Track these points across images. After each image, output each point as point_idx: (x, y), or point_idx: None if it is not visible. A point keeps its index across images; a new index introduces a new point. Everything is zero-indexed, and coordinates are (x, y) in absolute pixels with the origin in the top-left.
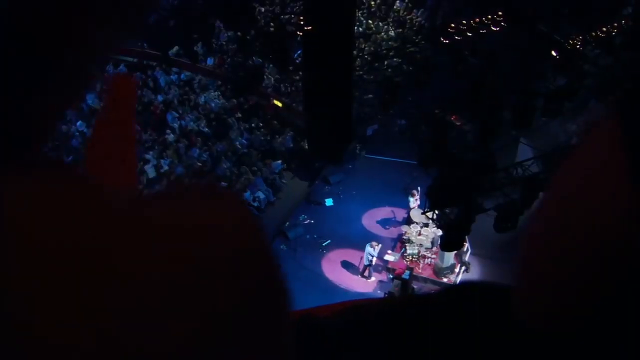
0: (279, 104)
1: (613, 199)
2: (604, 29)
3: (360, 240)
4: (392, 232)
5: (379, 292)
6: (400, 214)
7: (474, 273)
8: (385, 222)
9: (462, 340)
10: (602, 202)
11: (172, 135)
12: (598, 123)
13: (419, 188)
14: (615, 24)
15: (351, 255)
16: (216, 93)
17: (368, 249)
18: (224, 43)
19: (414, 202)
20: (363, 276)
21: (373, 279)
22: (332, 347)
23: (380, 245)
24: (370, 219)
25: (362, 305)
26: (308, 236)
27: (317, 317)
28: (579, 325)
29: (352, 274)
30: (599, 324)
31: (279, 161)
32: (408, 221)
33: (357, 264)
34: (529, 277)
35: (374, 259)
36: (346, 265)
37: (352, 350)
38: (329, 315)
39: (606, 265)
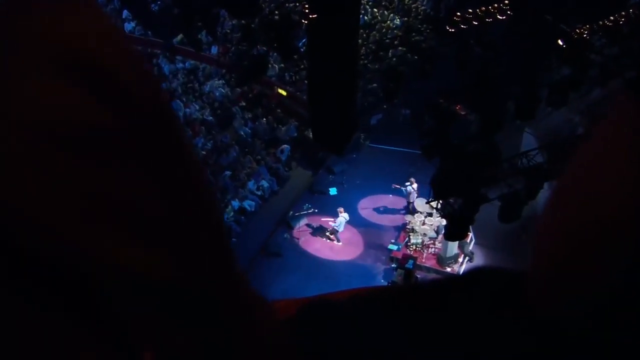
0: (283, 93)
1: (627, 183)
2: (612, 18)
3: (363, 226)
4: (392, 219)
5: (382, 281)
6: (400, 201)
7: (478, 263)
8: (385, 210)
9: (475, 325)
10: (616, 187)
11: None
12: (611, 109)
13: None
14: (623, 13)
15: (355, 243)
16: (220, 82)
17: (343, 215)
18: (228, 31)
19: (412, 190)
20: (330, 238)
21: (340, 244)
22: (348, 327)
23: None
24: (369, 207)
25: (375, 290)
26: (306, 225)
27: (330, 300)
28: (593, 310)
29: (355, 260)
30: (613, 309)
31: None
32: (412, 210)
33: (359, 252)
34: (543, 263)
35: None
36: (349, 251)
37: (368, 331)
38: (342, 298)
39: (622, 252)
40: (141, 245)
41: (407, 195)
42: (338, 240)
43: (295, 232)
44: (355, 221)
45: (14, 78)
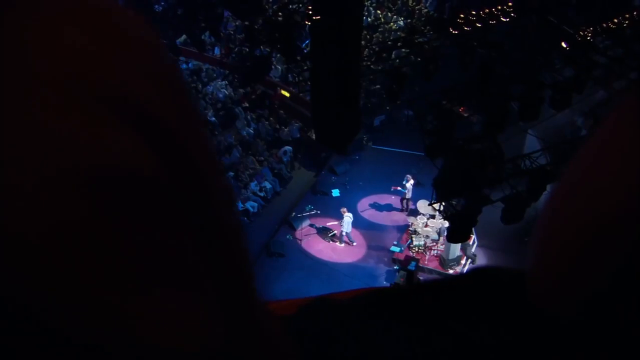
0: (286, 94)
1: (630, 180)
2: (615, 19)
3: (365, 227)
4: (394, 221)
5: (384, 282)
6: (396, 201)
7: (481, 264)
8: (387, 212)
9: (477, 324)
10: (617, 185)
11: None
12: (614, 108)
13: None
14: (627, 15)
15: (358, 244)
16: (223, 83)
17: (348, 215)
18: (232, 32)
19: (410, 186)
20: (346, 242)
21: (355, 243)
22: (349, 328)
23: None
24: (371, 209)
25: (377, 290)
26: (312, 226)
27: (332, 300)
28: (594, 308)
29: (357, 261)
30: (613, 306)
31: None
32: (406, 207)
33: (362, 253)
34: (543, 261)
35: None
36: (351, 253)
37: (369, 331)
38: (343, 299)
39: (622, 250)
40: (179, 309)
41: (404, 192)
42: (351, 241)
43: (301, 235)
44: (358, 222)
45: (20, 103)
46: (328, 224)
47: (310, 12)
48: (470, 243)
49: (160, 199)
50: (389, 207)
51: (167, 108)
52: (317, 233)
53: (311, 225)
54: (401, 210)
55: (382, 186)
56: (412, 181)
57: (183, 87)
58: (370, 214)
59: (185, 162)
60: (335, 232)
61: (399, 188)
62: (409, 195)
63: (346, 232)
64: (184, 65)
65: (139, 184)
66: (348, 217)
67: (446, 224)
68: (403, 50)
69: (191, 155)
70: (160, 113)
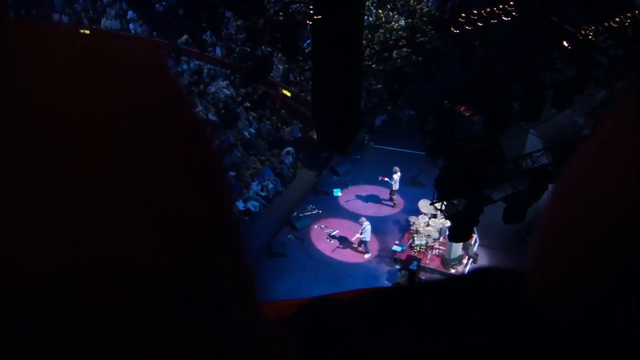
0: (288, 94)
1: (630, 180)
2: (617, 19)
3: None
4: (396, 220)
5: (386, 282)
6: (400, 202)
7: (482, 264)
8: (388, 212)
9: (478, 325)
10: (617, 185)
11: None
12: (614, 108)
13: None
14: (629, 14)
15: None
16: (225, 82)
17: (367, 223)
18: (233, 32)
19: (397, 178)
20: (358, 251)
21: (368, 255)
22: (349, 328)
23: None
24: (367, 207)
25: (378, 290)
26: (316, 226)
27: (333, 300)
28: (594, 309)
29: (359, 261)
30: (613, 307)
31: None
32: (394, 200)
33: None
34: (544, 261)
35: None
36: (353, 252)
37: (369, 331)
38: (344, 299)
39: (622, 250)
40: None
41: (391, 184)
42: (367, 252)
43: (310, 234)
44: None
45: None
46: (354, 237)
47: (312, 12)
48: (472, 242)
49: (163, 288)
50: (388, 207)
51: (192, 203)
52: (341, 245)
53: (332, 236)
54: (392, 206)
55: (383, 186)
56: (399, 174)
57: (216, 176)
58: (371, 214)
59: (199, 249)
60: (357, 242)
61: (386, 179)
62: (395, 187)
63: (366, 241)
64: (186, 66)
65: (141, 271)
66: (368, 226)
67: (448, 223)
68: (404, 49)
69: (208, 245)
70: (184, 212)
